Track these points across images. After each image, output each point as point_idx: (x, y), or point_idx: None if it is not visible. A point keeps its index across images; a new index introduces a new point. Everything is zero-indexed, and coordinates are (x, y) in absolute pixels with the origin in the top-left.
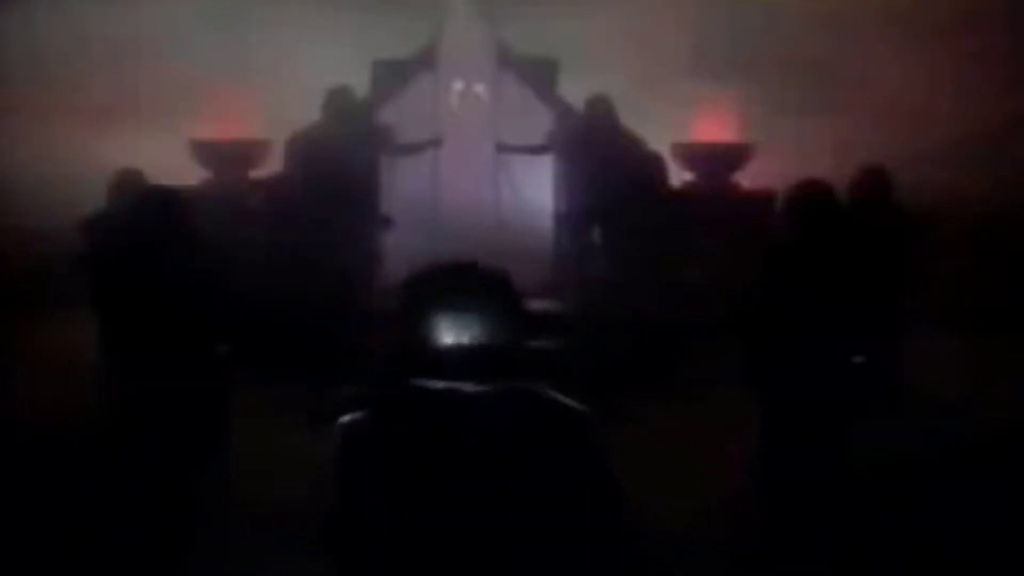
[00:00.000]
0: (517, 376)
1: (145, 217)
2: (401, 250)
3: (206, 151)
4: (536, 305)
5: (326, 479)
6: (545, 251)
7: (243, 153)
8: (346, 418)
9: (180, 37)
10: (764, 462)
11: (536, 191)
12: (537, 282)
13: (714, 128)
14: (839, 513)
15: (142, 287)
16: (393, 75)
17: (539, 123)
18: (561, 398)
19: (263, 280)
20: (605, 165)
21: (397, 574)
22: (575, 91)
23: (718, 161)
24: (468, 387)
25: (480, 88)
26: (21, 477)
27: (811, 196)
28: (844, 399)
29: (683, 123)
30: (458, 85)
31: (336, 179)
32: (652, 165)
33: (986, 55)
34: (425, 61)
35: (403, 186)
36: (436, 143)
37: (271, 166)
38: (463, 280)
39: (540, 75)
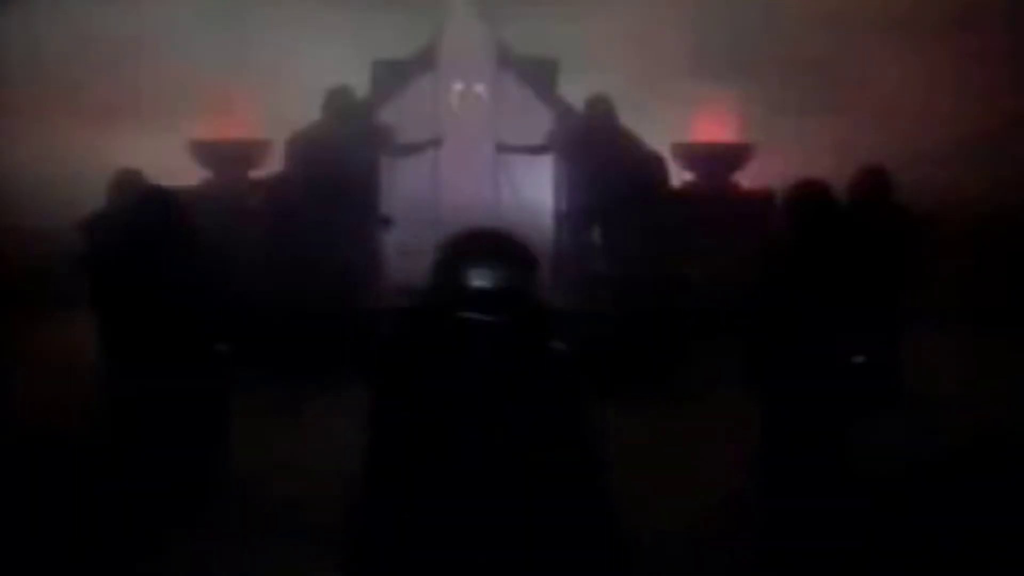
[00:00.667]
0: (525, 314)
1: (145, 217)
2: (401, 250)
3: (206, 151)
4: None
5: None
6: (545, 251)
7: (243, 153)
8: (385, 331)
9: (180, 37)
10: (764, 462)
11: (536, 191)
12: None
13: (714, 128)
14: (839, 513)
15: (142, 287)
16: (393, 75)
17: (539, 123)
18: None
19: (263, 280)
20: (605, 165)
21: (414, 460)
22: (575, 91)
23: (718, 161)
24: (484, 317)
25: (480, 88)
26: (21, 477)
27: (809, 196)
28: (844, 399)
29: (683, 123)
30: (458, 85)
31: (336, 179)
32: (652, 165)
33: (986, 55)
34: (425, 61)
35: (403, 186)
36: (436, 143)
37: (271, 166)
38: (489, 239)
39: (540, 75)
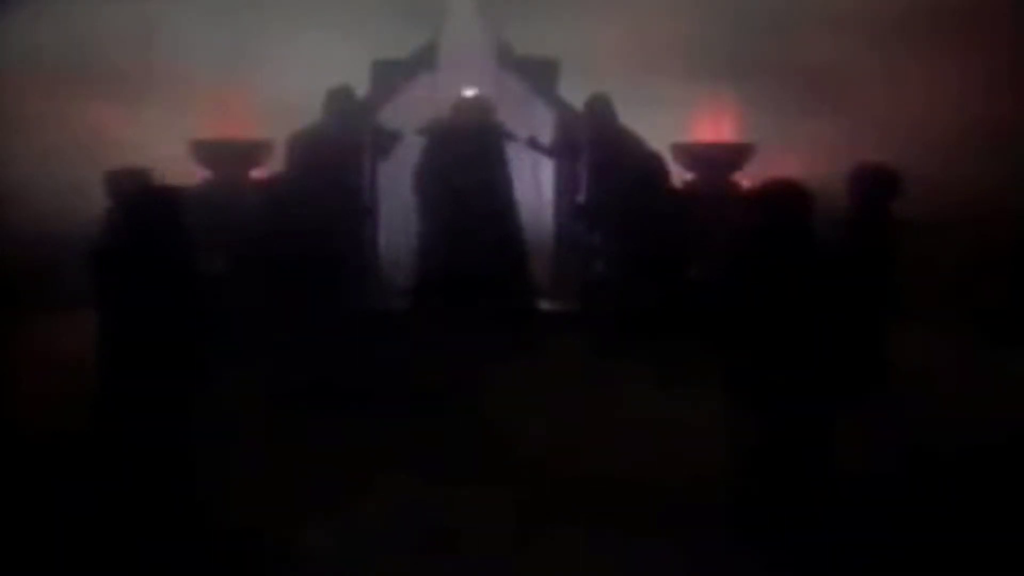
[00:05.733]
0: None
1: (145, 217)
2: (401, 250)
3: (206, 151)
4: (537, 305)
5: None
6: (546, 251)
7: (243, 153)
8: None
9: (181, 36)
10: (759, 465)
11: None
12: (538, 282)
13: (714, 128)
14: (836, 513)
15: (142, 287)
16: (393, 75)
17: (539, 123)
18: None
19: (263, 279)
20: (605, 165)
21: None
22: (575, 91)
23: (718, 161)
24: None
25: (480, 88)
26: (21, 477)
27: (772, 196)
28: (839, 399)
29: (683, 123)
30: (458, 85)
31: (336, 179)
32: (652, 165)
33: (987, 55)
34: (425, 61)
35: (403, 186)
36: None
37: (271, 166)
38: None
39: (540, 75)
